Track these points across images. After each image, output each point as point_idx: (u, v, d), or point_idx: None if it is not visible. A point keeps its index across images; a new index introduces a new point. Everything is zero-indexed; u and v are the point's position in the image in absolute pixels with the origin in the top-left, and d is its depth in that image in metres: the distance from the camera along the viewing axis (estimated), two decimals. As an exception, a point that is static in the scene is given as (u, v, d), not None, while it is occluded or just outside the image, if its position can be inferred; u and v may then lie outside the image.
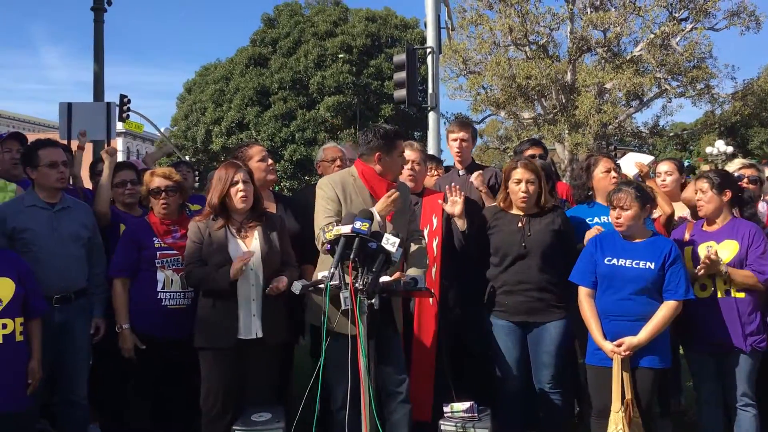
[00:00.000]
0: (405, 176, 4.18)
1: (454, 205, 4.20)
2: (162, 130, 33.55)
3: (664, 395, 4.77)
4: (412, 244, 3.76)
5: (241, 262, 3.55)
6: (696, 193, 4.01)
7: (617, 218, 3.73)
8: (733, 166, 4.83)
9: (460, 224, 4.16)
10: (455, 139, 4.88)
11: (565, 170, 24.15)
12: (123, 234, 4.10)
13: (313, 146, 30.22)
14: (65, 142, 9.37)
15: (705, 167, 4.67)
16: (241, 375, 3.70)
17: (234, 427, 3.41)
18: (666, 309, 3.63)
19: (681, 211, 4.73)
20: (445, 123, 26.87)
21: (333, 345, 3.26)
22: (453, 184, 4.42)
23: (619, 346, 3.60)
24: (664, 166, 5.04)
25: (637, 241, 3.76)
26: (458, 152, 4.90)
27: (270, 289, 3.60)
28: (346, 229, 3.05)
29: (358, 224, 3.03)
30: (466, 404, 3.51)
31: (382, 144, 3.66)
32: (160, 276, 3.91)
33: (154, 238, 3.97)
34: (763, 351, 3.81)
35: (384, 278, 3.17)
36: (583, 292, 3.78)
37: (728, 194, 3.93)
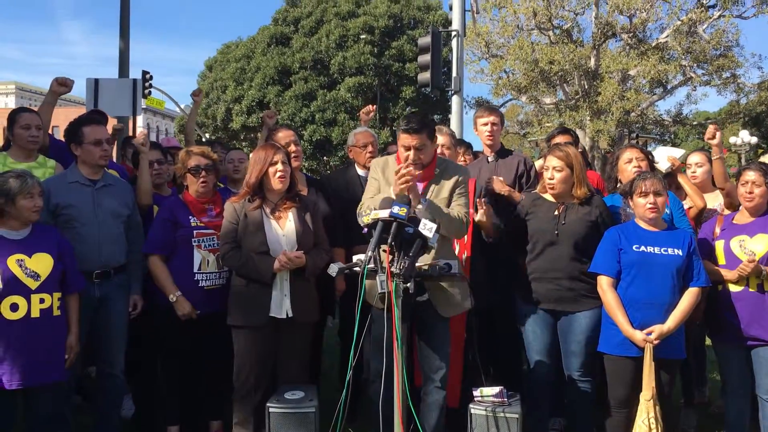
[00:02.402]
0: None
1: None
2: (182, 107, 33.66)
3: (689, 386, 4.80)
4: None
5: (285, 261, 3.63)
6: (746, 185, 3.91)
7: (652, 204, 3.71)
8: None
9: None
10: (486, 123, 4.84)
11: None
12: (159, 211, 4.14)
13: (333, 127, 30.17)
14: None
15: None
16: (272, 352, 3.77)
17: (268, 404, 3.47)
18: (690, 296, 3.66)
19: (710, 203, 4.72)
20: (465, 107, 26.85)
21: (374, 319, 3.32)
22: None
23: (649, 334, 3.61)
24: (695, 158, 4.99)
25: (657, 230, 3.77)
26: (490, 136, 4.87)
27: (282, 262, 3.63)
28: (383, 213, 3.09)
29: (396, 209, 3.07)
30: (496, 389, 3.54)
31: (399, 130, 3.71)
32: (197, 256, 3.96)
33: (190, 217, 4.01)
34: (792, 345, 3.81)
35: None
36: (607, 282, 3.75)
37: None
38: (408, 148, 3.62)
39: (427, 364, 3.69)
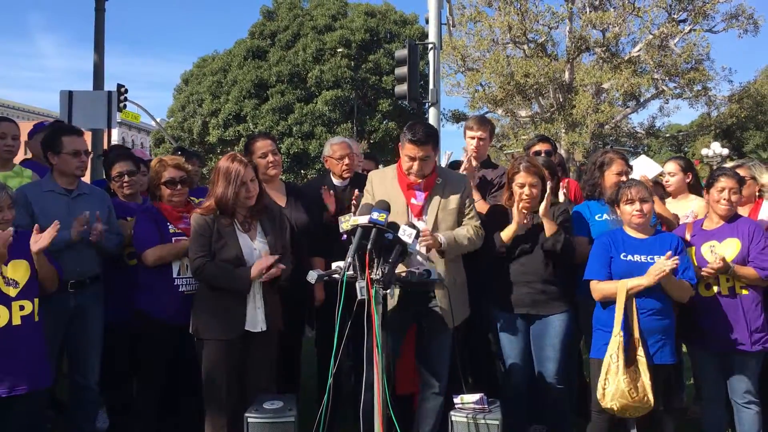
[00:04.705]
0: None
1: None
2: (158, 120, 33.45)
3: (667, 392, 4.83)
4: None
5: (264, 266, 3.57)
6: (723, 192, 3.94)
7: (639, 211, 3.74)
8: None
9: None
10: (473, 137, 4.80)
11: (561, 169, 24.25)
12: (138, 214, 4.10)
13: (310, 140, 30.23)
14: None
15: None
16: (240, 363, 3.70)
17: (247, 414, 3.42)
18: (681, 281, 3.66)
19: (682, 210, 4.76)
20: (441, 120, 27.00)
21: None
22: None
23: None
24: (668, 166, 5.03)
25: (644, 237, 3.80)
26: (475, 150, 4.86)
27: (267, 275, 3.60)
28: (363, 219, 3.09)
29: (375, 215, 3.07)
30: (476, 396, 3.53)
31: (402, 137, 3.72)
32: (176, 261, 3.92)
33: (168, 224, 3.98)
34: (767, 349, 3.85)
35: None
36: (596, 283, 3.78)
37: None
38: (413, 159, 3.64)
39: (427, 370, 3.73)
